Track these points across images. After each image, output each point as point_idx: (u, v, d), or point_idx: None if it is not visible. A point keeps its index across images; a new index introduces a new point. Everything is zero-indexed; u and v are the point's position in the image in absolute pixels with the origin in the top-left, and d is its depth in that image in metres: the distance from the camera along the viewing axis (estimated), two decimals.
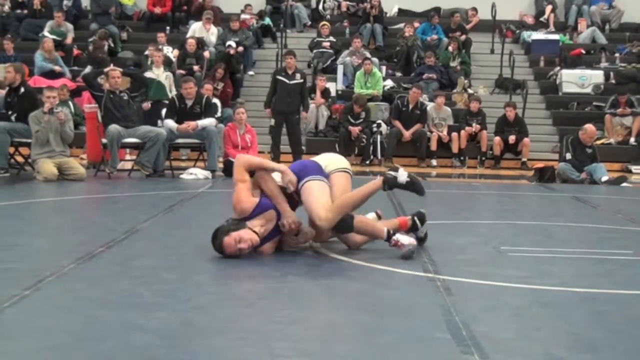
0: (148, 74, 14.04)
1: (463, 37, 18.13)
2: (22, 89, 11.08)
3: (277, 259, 5.24)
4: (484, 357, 3.31)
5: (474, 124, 14.81)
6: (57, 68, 16.19)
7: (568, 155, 12.42)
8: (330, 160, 5.61)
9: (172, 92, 13.50)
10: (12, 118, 10.88)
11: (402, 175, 5.15)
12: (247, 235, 5.09)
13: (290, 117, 13.79)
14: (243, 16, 18.35)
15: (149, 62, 15.42)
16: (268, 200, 5.26)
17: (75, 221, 7.39)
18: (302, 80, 13.90)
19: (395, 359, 3.34)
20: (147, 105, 14.03)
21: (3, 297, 4.05)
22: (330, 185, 5.31)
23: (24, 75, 11.60)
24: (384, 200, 9.22)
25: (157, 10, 18.96)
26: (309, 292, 4.50)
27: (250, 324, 3.77)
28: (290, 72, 13.79)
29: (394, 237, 5.32)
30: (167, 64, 15.25)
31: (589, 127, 12.75)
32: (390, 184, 5.20)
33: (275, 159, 13.49)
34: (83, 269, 4.88)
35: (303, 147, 14.06)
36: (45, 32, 17.24)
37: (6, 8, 18.77)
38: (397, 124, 14.94)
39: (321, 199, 5.17)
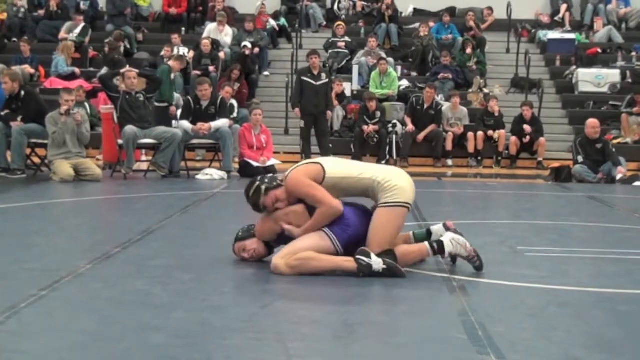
0: None
1: (474, 33, 17.97)
2: (23, 93, 11.06)
3: None
4: (501, 357, 3.30)
5: (496, 131, 14.69)
6: (77, 70, 16.29)
7: (580, 158, 12.27)
8: (395, 186, 4.91)
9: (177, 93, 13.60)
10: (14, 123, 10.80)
11: (377, 263, 4.71)
12: (251, 246, 5.11)
13: (319, 117, 13.74)
14: (258, 3, 18.45)
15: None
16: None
17: (91, 222, 7.42)
18: (327, 80, 13.85)
19: (411, 359, 3.34)
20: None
21: (20, 297, 4.07)
22: (338, 242, 4.86)
23: (22, 80, 11.52)
24: None
25: (173, 11, 19.00)
26: (325, 293, 4.49)
27: (267, 324, 3.77)
28: (315, 72, 13.72)
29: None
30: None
31: (590, 120, 12.53)
32: (365, 271, 4.72)
33: (307, 158, 13.49)
34: (99, 269, 4.89)
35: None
36: (71, 36, 17.29)
37: (22, 10, 18.84)
38: (408, 120, 14.90)
39: (302, 246, 4.79)
